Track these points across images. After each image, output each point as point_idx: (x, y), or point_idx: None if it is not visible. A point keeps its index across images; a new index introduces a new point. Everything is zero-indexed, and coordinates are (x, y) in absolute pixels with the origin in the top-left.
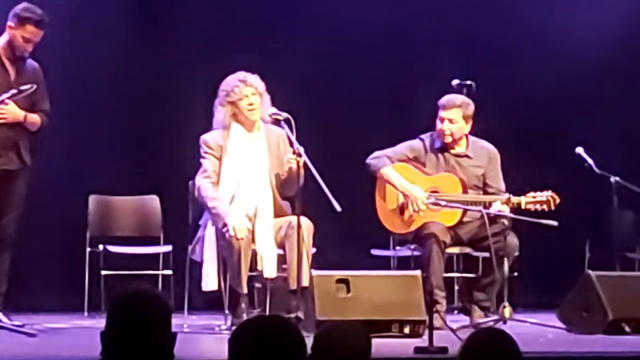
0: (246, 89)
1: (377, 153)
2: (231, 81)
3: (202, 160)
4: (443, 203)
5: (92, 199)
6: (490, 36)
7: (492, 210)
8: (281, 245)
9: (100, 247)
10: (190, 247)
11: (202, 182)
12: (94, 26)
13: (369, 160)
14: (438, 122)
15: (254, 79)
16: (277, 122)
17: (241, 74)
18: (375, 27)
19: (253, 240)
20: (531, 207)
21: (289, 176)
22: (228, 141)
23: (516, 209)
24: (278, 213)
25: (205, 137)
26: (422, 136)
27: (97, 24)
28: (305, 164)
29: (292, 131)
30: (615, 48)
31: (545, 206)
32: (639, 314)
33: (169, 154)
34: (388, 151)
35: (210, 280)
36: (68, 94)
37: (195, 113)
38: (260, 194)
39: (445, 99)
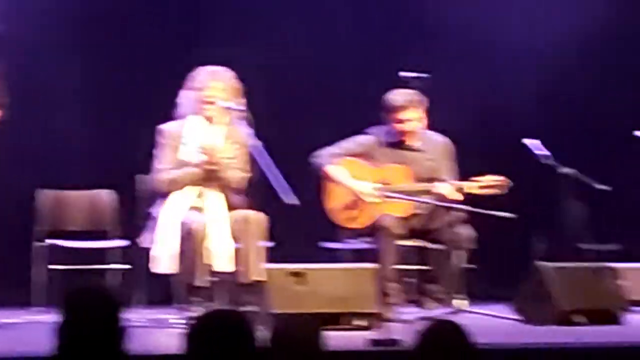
0: (213, 82)
1: (321, 151)
2: (202, 69)
3: (158, 151)
4: (393, 195)
5: (43, 193)
6: (448, 28)
7: (437, 190)
8: (236, 240)
9: (48, 241)
10: (141, 237)
11: (157, 176)
12: (52, 15)
13: (312, 159)
14: (396, 123)
15: (225, 77)
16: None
17: (217, 68)
18: (328, 16)
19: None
20: (483, 191)
21: None
22: (185, 130)
23: (468, 195)
24: (231, 207)
25: (162, 127)
26: (373, 130)
27: (57, 14)
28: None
29: (248, 125)
30: (572, 41)
31: (497, 190)
32: (589, 304)
33: (125, 148)
34: (333, 147)
35: (160, 263)
36: (17, 85)
37: (151, 105)
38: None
39: (402, 99)
